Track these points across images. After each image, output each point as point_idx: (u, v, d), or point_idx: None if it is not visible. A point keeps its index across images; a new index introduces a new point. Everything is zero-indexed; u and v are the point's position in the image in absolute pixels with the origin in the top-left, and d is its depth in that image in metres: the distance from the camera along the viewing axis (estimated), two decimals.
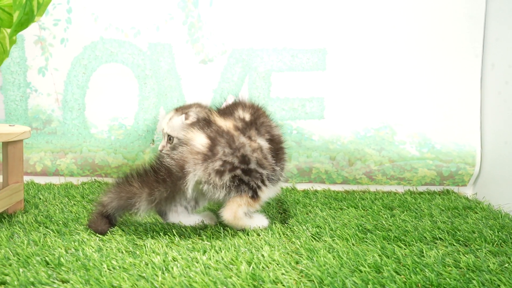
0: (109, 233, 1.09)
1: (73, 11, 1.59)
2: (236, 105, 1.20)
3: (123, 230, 1.10)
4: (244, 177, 1.09)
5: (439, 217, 1.28)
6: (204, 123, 1.13)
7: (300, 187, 1.65)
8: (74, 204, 1.35)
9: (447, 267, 0.92)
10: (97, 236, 1.06)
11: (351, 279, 0.84)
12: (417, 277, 0.85)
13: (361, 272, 0.89)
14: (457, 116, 1.59)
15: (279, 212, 1.35)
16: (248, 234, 1.11)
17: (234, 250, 0.98)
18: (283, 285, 0.82)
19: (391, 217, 1.28)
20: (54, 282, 0.81)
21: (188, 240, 1.06)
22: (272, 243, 1.04)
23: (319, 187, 1.65)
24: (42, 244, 0.99)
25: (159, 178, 1.05)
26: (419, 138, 1.59)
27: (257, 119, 1.18)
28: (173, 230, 1.11)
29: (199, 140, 1.08)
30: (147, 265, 0.89)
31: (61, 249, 0.96)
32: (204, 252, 0.97)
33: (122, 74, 1.61)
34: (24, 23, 1.00)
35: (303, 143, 1.60)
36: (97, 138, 1.62)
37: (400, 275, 0.87)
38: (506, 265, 0.93)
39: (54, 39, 1.60)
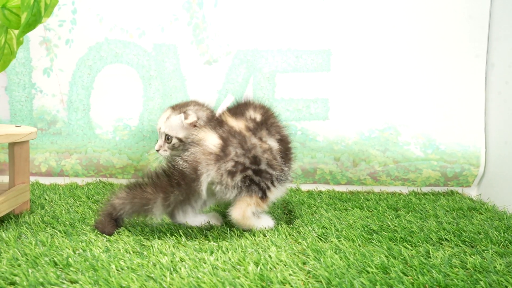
0: (115, 233, 1.09)
1: (78, 12, 1.59)
2: (246, 105, 1.20)
3: (129, 231, 1.11)
4: (255, 178, 1.09)
5: (444, 218, 1.28)
6: (216, 123, 1.13)
7: (305, 187, 1.65)
8: (80, 204, 1.35)
9: (454, 268, 0.92)
10: (104, 237, 1.06)
11: (358, 280, 0.84)
12: (425, 278, 0.86)
13: (368, 273, 0.89)
14: (461, 117, 1.59)
15: (285, 213, 1.35)
16: (254, 235, 1.11)
17: (241, 251, 0.98)
18: (291, 286, 0.83)
19: (396, 218, 1.28)
20: (63, 283, 0.81)
21: (195, 240, 1.06)
22: (279, 244, 1.04)
23: (323, 187, 1.65)
24: (50, 245, 0.99)
25: (173, 182, 1.05)
26: (423, 139, 1.59)
27: (267, 120, 1.19)
28: (179, 231, 1.11)
29: (211, 141, 1.08)
30: (155, 265, 0.90)
31: (69, 249, 0.96)
32: (211, 252, 0.98)
33: (127, 75, 1.61)
34: (31, 24, 1.00)
35: (308, 144, 1.61)
36: (102, 138, 1.63)
37: (408, 276, 0.88)
38: None
39: (59, 40, 1.61)
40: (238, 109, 1.18)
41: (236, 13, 1.58)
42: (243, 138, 1.10)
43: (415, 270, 0.90)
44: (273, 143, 1.16)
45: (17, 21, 1.01)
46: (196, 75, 1.60)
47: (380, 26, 1.58)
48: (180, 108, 1.30)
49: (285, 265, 0.92)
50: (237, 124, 1.13)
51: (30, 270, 0.85)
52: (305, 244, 1.04)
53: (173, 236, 1.07)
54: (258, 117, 1.19)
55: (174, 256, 0.95)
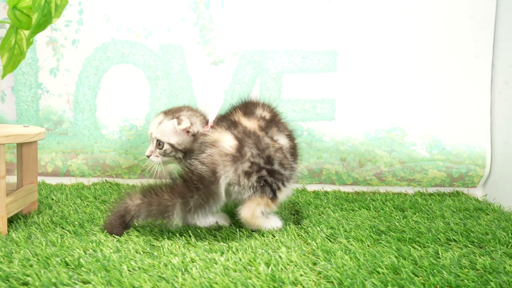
0: (125, 234, 1.09)
1: (84, 12, 1.59)
2: (254, 104, 1.20)
3: (138, 231, 1.11)
4: (269, 178, 1.10)
5: (451, 219, 1.28)
6: (230, 123, 1.13)
7: (310, 188, 1.66)
8: (87, 205, 1.36)
9: (464, 268, 0.92)
10: (113, 237, 1.07)
11: (370, 280, 0.84)
12: (435, 278, 0.86)
13: (379, 273, 0.89)
14: (467, 118, 1.59)
15: (292, 213, 1.35)
16: (263, 235, 1.11)
17: (252, 251, 0.98)
18: (303, 286, 0.83)
19: (403, 219, 1.28)
20: (76, 283, 0.81)
21: (205, 241, 1.07)
22: (288, 245, 1.04)
23: (329, 188, 1.65)
24: (61, 245, 1.00)
25: (192, 186, 1.04)
26: (429, 140, 1.60)
27: (275, 117, 1.19)
28: (188, 231, 1.11)
29: (228, 141, 1.08)
30: (166, 266, 0.90)
31: (80, 250, 0.97)
32: (222, 253, 0.98)
33: (134, 75, 1.61)
34: (42, 25, 1.00)
35: (314, 144, 1.61)
36: (108, 139, 1.63)
37: (418, 277, 0.88)
38: None
39: (65, 40, 1.61)
40: (247, 109, 1.18)
41: (243, 14, 1.59)
42: (257, 138, 1.10)
43: (426, 271, 0.90)
44: (283, 141, 1.17)
45: (27, 21, 1.02)
46: (203, 76, 1.61)
47: (386, 27, 1.58)
48: (173, 113, 1.29)
49: (295, 265, 0.92)
50: (250, 124, 1.13)
51: (42, 271, 0.85)
52: (315, 244, 1.04)
53: (183, 237, 1.08)
54: (267, 115, 1.19)
55: (185, 256, 0.95)
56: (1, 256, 0.92)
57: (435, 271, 0.90)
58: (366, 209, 1.39)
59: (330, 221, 1.24)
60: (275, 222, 1.19)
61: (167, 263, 0.91)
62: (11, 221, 1.16)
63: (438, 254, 1.00)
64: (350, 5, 1.58)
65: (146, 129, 1.62)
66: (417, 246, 1.05)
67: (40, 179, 1.65)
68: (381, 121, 1.60)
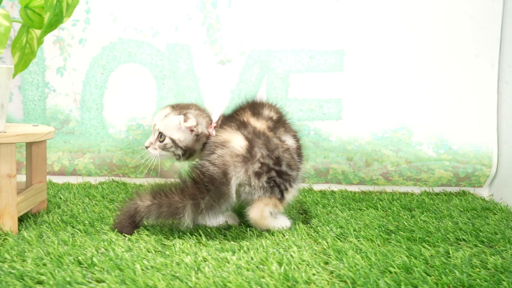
0: (135, 233, 1.09)
1: (91, 11, 1.59)
2: (261, 104, 1.20)
3: (148, 230, 1.11)
4: (277, 179, 1.10)
5: (459, 218, 1.29)
6: (239, 123, 1.13)
7: (317, 187, 1.66)
8: (96, 204, 1.36)
9: (475, 268, 0.93)
10: (124, 236, 1.07)
11: (383, 280, 0.85)
12: (448, 278, 0.86)
13: (391, 273, 0.90)
14: (474, 117, 1.60)
15: (300, 212, 1.36)
16: (273, 235, 1.11)
17: (263, 251, 0.99)
18: (316, 286, 0.83)
19: (411, 218, 1.29)
20: (91, 282, 0.82)
21: (215, 240, 1.07)
22: (299, 244, 1.05)
23: (335, 187, 1.66)
24: (72, 244, 1.00)
25: (202, 187, 1.04)
26: (435, 139, 1.60)
27: (281, 117, 1.19)
28: (199, 231, 1.11)
29: (238, 142, 1.08)
30: (179, 265, 0.90)
31: (92, 249, 0.97)
32: (233, 252, 0.98)
33: (140, 75, 1.61)
34: (53, 24, 1.00)
35: (321, 144, 1.61)
36: (115, 138, 1.63)
37: (431, 276, 0.88)
38: None
39: (72, 39, 1.61)
40: (255, 109, 1.18)
41: (250, 13, 1.59)
42: (267, 138, 1.10)
43: (437, 270, 0.90)
44: (290, 141, 1.17)
45: (39, 20, 1.02)
46: (210, 75, 1.61)
47: (393, 27, 1.58)
48: (180, 109, 1.27)
49: (308, 264, 0.92)
50: (259, 124, 1.13)
51: (56, 270, 0.85)
52: (325, 244, 1.05)
53: (194, 236, 1.08)
54: (274, 115, 1.19)
55: (197, 255, 0.95)
56: (14, 255, 0.92)
57: (447, 270, 0.90)
58: (374, 209, 1.39)
59: (339, 220, 1.24)
60: (283, 222, 1.19)
61: (180, 262, 0.91)
62: (21, 220, 1.17)
63: (449, 254, 1.00)
64: (357, 5, 1.58)
65: None
66: (427, 246, 1.05)
67: (47, 178, 1.64)
68: (388, 121, 1.60)
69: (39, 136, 1.14)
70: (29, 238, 1.02)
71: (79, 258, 0.91)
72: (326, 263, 0.95)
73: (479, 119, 1.60)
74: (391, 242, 1.08)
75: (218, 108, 1.26)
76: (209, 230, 1.13)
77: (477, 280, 0.86)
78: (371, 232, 1.13)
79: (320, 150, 1.61)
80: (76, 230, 1.10)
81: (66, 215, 1.22)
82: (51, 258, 0.91)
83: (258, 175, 1.08)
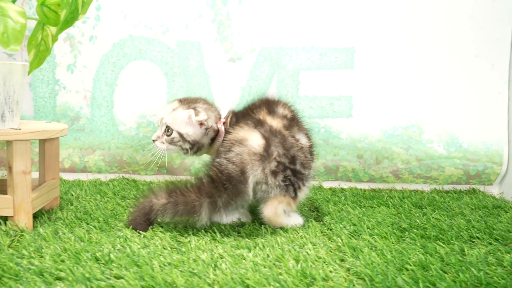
0: (150, 230, 1.10)
1: (102, 8, 1.59)
2: (274, 102, 1.20)
3: (162, 227, 1.11)
4: (292, 178, 1.10)
5: (471, 216, 1.29)
6: (256, 121, 1.13)
7: (327, 185, 1.66)
8: (108, 201, 1.36)
9: (491, 266, 0.93)
10: (139, 233, 1.07)
11: (401, 277, 0.85)
12: (465, 275, 0.86)
13: (408, 270, 0.90)
14: (484, 115, 1.59)
15: (311, 210, 1.36)
16: (287, 232, 1.12)
17: (279, 248, 0.99)
18: (334, 283, 0.83)
19: (423, 216, 1.29)
20: (109, 278, 0.82)
21: (230, 237, 1.07)
22: (313, 241, 1.05)
23: (345, 185, 1.66)
24: (89, 241, 1.00)
25: (220, 186, 1.04)
26: (446, 137, 1.60)
27: (295, 116, 1.19)
28: (213, 227, 1.11)
29: (256, 140, 1.08)
30: (196, 261, 0.90)
31: (108, 245, 0.97)
32: (249, 249, 0.98)
33: (151, 72, 1.62)
34: (69, 21, 1.00)
35: (331, 141, 1.61)
36: (125, 135, 1.63)
37: (447, 274, 0.88)
38: None
39: (83, 37, 1.61)
40: (270, 107, 1.17)
41: (261, 11, 1.59)
42: (283, 137, 1.10)
43: (454, 268, 0.91)
44: (303, 140, 1.17)
45: (55, 18, 1.02)
46: (220, 72, 1.61)
47: (404, 24, 1.58)
48: (188, 103, 1.25)
49: (324, 262, 0.93)
50: (275, 123, 1.13)
51: (74, 266, 0.86)
52: (340, 241, 1.05)
53: (208, 233, 1.08)
54: (288, 113, 1.19)
55: (213, 252, 0.95)
56: (32, 251, 0.93)
57: (463, 268, 0.90)
58: (385, 206, 1.39)
59: (351, 218, 1.24)
60: (296, 219, 1.19)
61: (196, 259, 0.91)
62: (35, 216, 1.17)
63: (464, 251, 1.00)
64: (368, 2, 1.58)
65: None
66: (441, 244, 1.05)
67: None
68: (398, 118, 1.60)
69: (53, 133, 1.15)
70: (45, 235, 1.02)
71: (97, 254, 0.91)
72: (342, 260, 0.95)
73: (489, 117, 1.59)
74: (405, 240, 1.08)
75: (227, 104, 1.26)
76: (222, 227, 1.13)
77: (494, 278, 0.87)
78: (385, 230, 1.13)
79: (330, 148, 1.61)
80: (91, 227, 1.10)
81: (80, 212, 1.22)
82: (68, 254, 0.92)
83: (274, 173, 1.08)
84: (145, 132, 1.63)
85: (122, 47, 1.61)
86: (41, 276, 0.82)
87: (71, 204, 1.30)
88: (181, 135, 1.21)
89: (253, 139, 1.08)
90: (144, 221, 1.09)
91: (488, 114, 1.59)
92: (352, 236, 1.10)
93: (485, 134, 1.59)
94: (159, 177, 1.68)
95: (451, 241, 1.07)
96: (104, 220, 1.16)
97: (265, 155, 1.07)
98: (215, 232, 1.08)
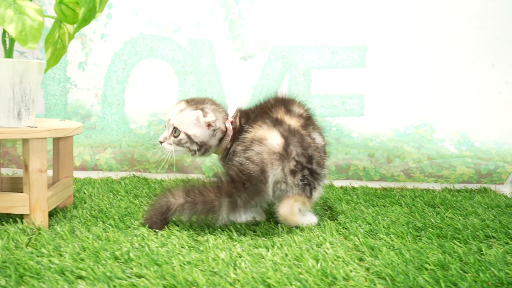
0: (166, 228, 1.10)
1: (113, 6, 1.59)
2: (290, 101, 1.20)
3: (178, 226, 1.11)
4: (309, 177, 1.10)
5: (485, 215, 1.29)
6: (274, 120, 1.12)
7: (337, 183, 1.66)
8: (121, 199, 1.36)
9: (510, 265, 0.93)
10: (155, 232, 1.07)
11: (421, 277, 0.85)
12: (485, 275, 0.86)
13: (427, 270, 0.90)
14: (496, 114, 1.59)
15: (324, 209, 1.36)
16: (303, 231, 1.11)
17: (297, 247, 0.99)
18: (355, 282, 0.83)
19: (436, 215, 1.29)
20: (131, 277, 0.82)
21: (246, 236, 1.07)
22: (330, 240, 1.05)
23: (356, 184, 1.66)
24: (106, 239, 1.00)
25: (239, 185, 1.04)
26: (458, 136, 1.60)
27: (309, 114, 1.19)
28: (229, 226, 1.11)
29: (275, 139, 1.08)
30: (215, 260, 0.90)
31: (127, 244, 0.97)
32: (267, 248, 0.98)
33: (162, 70, 1.61)
34: (87, 19, 1.00)
35: (342, 140, 1.61)
36: (136, 133, 1.63)
37: (467, 273, 0.88)
38: None
39: (94, 35, 1.61)
40: (287, 106, 1.17)
41: (272, 9, 1.58)
42: (301, 136, 1.10)
43: (473, 267, 0.90)
44: (319, 139, 1.17)
45: (72, 16, 1.02)
46: (232, 71, 1.60)
47: (416, 22, 1.58)
48: (196, 104, 1.24)
49: (343, 261, 0.93)
50: (293, 122, 1.13)
51: (95, 265, 0.86)
52: (357, 240, 1.05)
53: (225, 232, 1.08)
54: (303, 112, 1.19)
55: (231, 251, 0.95)
56: (51, 249, 0.93)
57: (482, 268, 0.90)
58: (398, 205, 1.39)
59: (365, 217, 1.24)
60: (311, 218, 1.19)
61: (216, 258, 0.91)
62: (50, 214, 1.17)
63: (482, 251, 1.00)
64: (380, 0, 1.57)
65: None
66: (458, 243, 1.05)
67: None
68: (410, 117, 1.60)
69: (69, 131, 1.15)
70: (62, 233, 1.02)
71: (116, 253, 0.91)
72: (361, 259, 0.95)
73: (501, 116, 1.59)
74: (421, 239, 1.08)
75: (234, 103, 1.25)
76: (238, 226, 1.13)
77: None
78: (400, 229, 1.13)
79: (342, 147, 1.61)
80: (107, 225, 1.10)
81: (94, 210, 1.22)
82: (88, 253, 0.92)
83: (293, 173, 1.08)
84: (156, 130, 1.63)
85: (133, 45, 1.61)
86: (62, 275, 0.82)
87: (85, 203, 1.30)
88: (188, 136, 1.21)
89: (272, 138, 1.08)
90: (160, 220, 1.09)
91: (500, 113, 1.59)
92: (369, 235, 1.10)
93: (496, 133, 1.59)
94: (170, 175, 1.68)
95: (468, 241, 1.07)
96: (119, 218, 1.16)
97: (284, 154, 1.07)
98: (231, 231, 1.08)
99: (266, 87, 1.60)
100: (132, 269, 0.86)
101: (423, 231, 1.13)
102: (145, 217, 1.12)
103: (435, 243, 1.04)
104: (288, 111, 1.15)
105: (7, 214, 1.16)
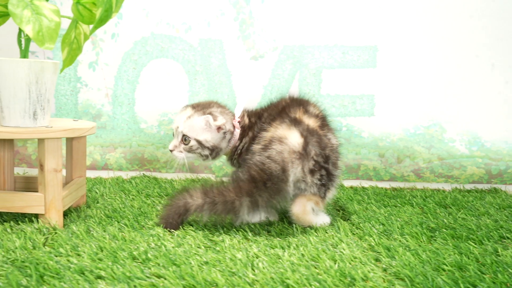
0: (181, 228, 1.10)
1: (124, 6, 1.59)
2: (305, 102, 1.20)
3: (192, 226, 1.12)
4: (325, 177, 1.10)
5: (497, 216, 1.28)
6: (293, 119, 1.12)
7: (347, 183, 1.66)
8: (133, 199, 1.36)
9: None
10: (170, 231, 1.07)
11: (440, 278, 0.85)
12: (504, 276, 0.86)
13: (444, 271, 0.90)
14: (507, 115, 1.59)
15: (336, 209, 1.36)
16: (317, 231, 1.12)
17: (313, 247, 0.99)
18: (374, 283, 0.83)
19: (448, 215, 1.29)
20: (150, 277, 0.82)
21: (261, 236, 1.07)
22: (345, 240, 1.05)
23: (366, 184, 1.66)
24: (123, 239, 1.00)
25: (260, 184, 1.03)
26: (468, 136, 1.60)
27: (324, 115, 1.19)
28: (243, 226, 1.12)
29: (295, 139, 1.08)
30: (233, 261, 0.90)
31: (144, 244, 0.97)
32: (283, 248, 0.98)
33: (173, 70, 1.61)
34: (103, 19, 1.00)
35: (353, 140, 1.61)
36: (147, 133, 1.64)
37: (485, 274, 0.88)
38: None
39: (105, 34, 1.61)
40: (304, 106, 1.17)
41: (283, 9, 1.58)
42: (319, 136, 1.10)
43: (491, 268, 0.91)
44: (334, 140, 1.17)
45: (89, 16, 1.02)
46: (242, 71, 1.61)
47: (426, 23, 1.58)
48: (202, 108, 1.23)
49: (360, 262, 0.93)
50: (311, 122, 1.13)
51: (114, 265, 0.86)
52: (372, 241, 1.05)
53: (239, 232, 1.08)
54: (319, 113, 1.19)
55: (248, 251, 0.96)
56: (69, 249, 0.93)
57: (500, 268, 0.90)
58: (410, 206, 1.39)
59: (378, 217, 1.24)
60: (324, 218, 1.19)
61: (233, 258, 0.92)
62: (64, 214, 1.17)
63: (498, 252, 1.00)
64: (391, 0, 1.57)
65: None
66: (473, 244, 1.05)
67: None
68: (421, 117, 1.60)
69: (83, 131, 1.15)
70: (79, 233, 1.02)
71: (133, 253, 0.92)
72: (377, 260, 0.95)
73: None
74: (436, 240, 1.08)
75: (241, 103, 1.25)
76: (252, 226, 1.14)
77: None
78: (414, 230, 1.13)
79: (352, 147, 1.61)
80: (122, 225, 1.10)
81: (108, 210, 1.22)
82: (105, 253, 0.92)
83: (312, 172, 1.08)
84: (167, 130, 1.63)
85: (144, 45, 1.61)
86: (82, 275, 0.82)
87: (97, 202, 1.31)
88: (199, 142, 1.20)
89: (292, 137, 1.08)
90: (177, 220, 1.09)
91: (511, 114, 1.59)
92: (383, 236, 1.10)
93: (507, 133, 1.59)
94: (180, 175, 1.68)
95: (483, 242, 1.07)
96: (134, 218, 1.16)
97: (304, 154, 1.07)
98: (246, 231, 1.09)
99: (276, 87, 1.60)
100: (150, 269, 0.86)
101: (437, 232, 1.13)
102: (161, 218, 1.12)
103: (450, 244, 1.04)
104: (306, 111, 1.15)
105: (21, 213, 1.16)
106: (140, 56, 1.61)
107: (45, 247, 0.95)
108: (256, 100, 1.61)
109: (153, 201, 1.34)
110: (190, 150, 1.21)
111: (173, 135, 1.25)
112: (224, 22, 1.59)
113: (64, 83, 1.63)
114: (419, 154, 1.60)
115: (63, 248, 0.93)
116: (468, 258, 0.95)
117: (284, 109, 1.17)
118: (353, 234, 1.12)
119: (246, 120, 1.27)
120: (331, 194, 1.18)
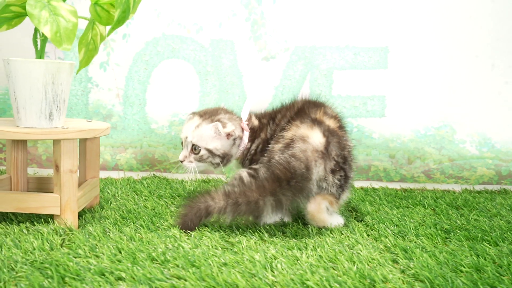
0: (196, 229, 1.10)
1: None
2: (322, 104, 1.21)
3: (207, 227, 1.12)
4: (344, 179, 1.11)
5: (510, 217, 1.29)
6: (313, 119, 1.13)
7: (357, 184, 1.66)
8: (145, 199, 1.36)
9: None
10: (186, 233, 1.07)
11: (459, 279, 0.85)
12: None
13: (462, 272, 0.90)
14: None
15: (349, 210, 1.36)
16: (333, 232, 1.12)
17: (330, 249, 0.99)
18: (393, 284, 0.84)
19: (461, 216, 1.29)
20: (171, 279, 0.82)
21: (278, 237, 1.07)
22: (361, 242, 1.05)
23: (376, 184, 1.66)
24: (140, 240, 1.00)
25: (283, 183, 1.04)
26: (479, 137, 1.60)
27: (339, 117, 1.20)
28: (259, 227, 1.12)
29: (318, 138, 1.09)
30: (252, 262, 0.91)
31: (161, 245, 0.97)
32: (300, 250, 0.99)
33: (184, 70, 1.62)
34: (121, 20, 1.01)
35: (363, 141, 1.61)
36: (158, 133, 1.64)
37: (503, 276, 0.88)
38: None
39: (116, 34, 1.61)
40: (323, 108, 1.18)
41: (295, 10, 1.58)
42: (339, 137, 1.11)
43: (508, 270, 0.91)
44: (349, 142, 1.18)
45: (107, 17, 1.02)
46: (253, 71, 1.61)
47: (437, 24, 1.58)
48: (210, 115, 1.23)
49: (378, 263, 0.93)
50: (332, 123, 1.13)
51: (133, 266, 0.86)
52: (389, 242, 1.05)
53: (256, 233, 1.08)
54: (336, 115, 1.20)
55: (265, 253, 0.96)
56: (87, 250, 0.93)
57: None
58: (422, 207, 1.39)
59: (392, 218, 1.24)
60: (338, 219, 1.19)
61: (251, 260, 0.92)
62: (79, 215, 1.17)
63: None
64: (401, 1, 1.57)
65: None
66: (487, 245, 1.06)
67: None
68: (431, 119, 1.60)
69: (98, 132, 1.15)
70: (95, 234, 1.03)
71: (152, 254, 0.92)
72: (394, 261, 0.95)
73: None
74: (451, 241, 1.08)
75: (247, 105, 1.26)
76: (267, 227, 1.14)
77: None
78: (429, 231, 1.13)
79: (363, 147, 1.61)
80: (138, 226, 1.10)
81: (122, 210, 1.22)
82: (124, 254, 0.92)
83: (333, 172, 1.09)
84: (177, 131, 1.63)
85: (155, 45, 1.61)
86: (102, 276, 0.82)
87: (110, 203, 1.31)
88: (209, 151, 1.20)
89: (315, 136, 1.09)
90: (195, 222, 1.09)
91: None
92: (399, 237, 1.10)
93: None
94: (191, 176, 1.68)
95: (498, 243, 1.07)
96: (149, 219, 1.16)
97: (325, 153, 1.08)
98: (262, 232, 1.09)
99: (287, 88, 1.60)
100: (170, 270, 0.86)
101: (451, 233, 1.13)
102: (179, 220, 1.10)
103: (466, 245, 1.05)
104: (325, 112, 1.16)
105: (36, 214, 1.16)
106: (151, 56, 1.61)
107: (63, 248, 0.95)
108: (267, 100, 1.61)
109: (166, 202, 1.34)
110: (200, 160, 1.22)
111: (182, 145, 1.25)
112: (235, 23, 1.59)
113: (75, 83, 1.63)
114: (429, 155, 1.60)
115: (81, 249, 0.93)
116: (485, 260, 0.96)
117: (303, 110, 1.17)
118: (368, 235, 1.12)
119: (255, 122, 1.28)
120: (345, 196, 1.18)
